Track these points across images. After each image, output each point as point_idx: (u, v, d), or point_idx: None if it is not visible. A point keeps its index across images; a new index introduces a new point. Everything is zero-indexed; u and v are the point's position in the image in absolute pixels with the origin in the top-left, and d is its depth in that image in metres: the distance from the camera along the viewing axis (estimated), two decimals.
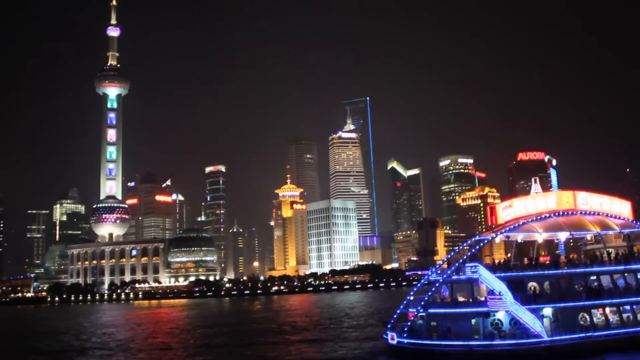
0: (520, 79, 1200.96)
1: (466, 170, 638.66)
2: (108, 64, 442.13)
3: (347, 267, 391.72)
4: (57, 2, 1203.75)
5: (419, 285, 58.59)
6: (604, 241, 61.13)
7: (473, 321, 51.17)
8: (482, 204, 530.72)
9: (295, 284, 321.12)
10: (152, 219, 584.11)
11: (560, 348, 48.80)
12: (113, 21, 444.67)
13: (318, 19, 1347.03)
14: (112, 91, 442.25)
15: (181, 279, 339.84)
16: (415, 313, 53.58)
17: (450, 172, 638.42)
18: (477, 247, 56.15)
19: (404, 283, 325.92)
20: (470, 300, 53.04)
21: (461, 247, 63.72)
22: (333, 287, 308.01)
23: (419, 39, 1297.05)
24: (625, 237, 60.61)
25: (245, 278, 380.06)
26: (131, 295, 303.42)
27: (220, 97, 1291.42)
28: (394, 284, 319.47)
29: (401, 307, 57.34)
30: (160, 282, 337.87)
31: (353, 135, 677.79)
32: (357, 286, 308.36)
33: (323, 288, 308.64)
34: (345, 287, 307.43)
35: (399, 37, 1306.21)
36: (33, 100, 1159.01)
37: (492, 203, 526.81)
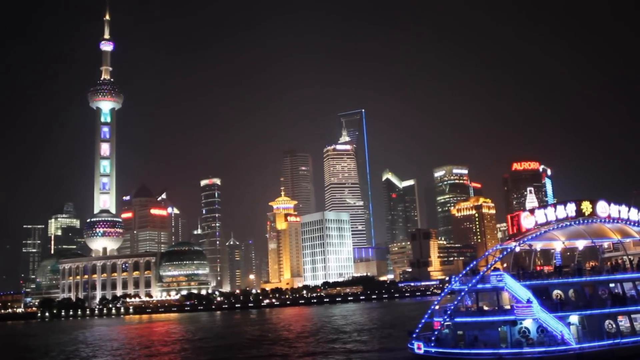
0: (515, 89, 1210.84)
1: (461, 181, 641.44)
2: (101, 79, 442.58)
3: (341, 279, 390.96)
4: (50, 17, 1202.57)
5: (442, 294, 58.78)
6: (623, 248, 61.59)
7: (500, 329, 51.33)
8: (477, 215, 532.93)
9: (287, 296, 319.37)
10: (147, 232, 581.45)
11: (589, 355, 49.03)
12: (106, 36, 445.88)
13: (314, 30, 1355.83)
14: (106, 105, 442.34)
15: (173, 293, 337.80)
16: (442, 322, 53.65)
17: (445, 182, 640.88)
18: (501, 256, 56.40)
19: (396, 295, 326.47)
20: (496, 308, 53.29)
21: (484, 256, 63.96)
22: (325, 300, 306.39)
23: (415, 52, 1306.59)
24: None
25: (238, 291, 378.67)
26: (122, 309, 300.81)
27: (215, 110, 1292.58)
28: (386, 295, 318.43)
29: (425, 316, 57.43)
30: (152, 296, 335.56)
31: (348, 147, 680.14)
32: (349, 298, 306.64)
33: (315, 301, 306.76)
34: (337, 299, 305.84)
35: (395, 49, 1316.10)
36: (28, 114, 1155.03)
37: (486, 213, 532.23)
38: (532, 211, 61.07)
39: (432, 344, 53.08)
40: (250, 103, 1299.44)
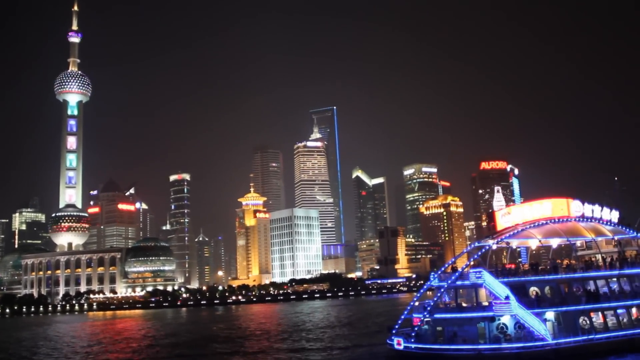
0: (483, 88, 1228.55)
1: (430, 179, 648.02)
2: (69, 71, 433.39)
3: (309, 276, 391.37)
4: (19, 6, 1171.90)
5: (421, 291, 59.47)
6: (596, 247, 63.22)
7: (479, 326, 52.24)
8: (445, 213, 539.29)
9: (254, 293, 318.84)
10: (114, 228, 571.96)
11: (565, 350, 50.30)
12: (74, 27, 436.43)
13: (285, 27, 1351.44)
14: (73, 98, 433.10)
15: (138, 289, 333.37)
16: (422, 318, 54.29)
17: (415, 181, 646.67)
18: (479, 253, 57.32)
19: (363, 292, 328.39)
20: (474, 305, 54.20)
21: (462, 254, 64.86)
22: (291, 297, 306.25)
23: (385, 50, 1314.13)
24: (616, 243, 62.85)
25: (204, 288, 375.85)
26: (85, 306, 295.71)
27: (185, 105, 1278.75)
28: (352, 293, 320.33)
29: (405, 312, 58.06)
30: (116, 293, 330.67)
31: (319, 144, 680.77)
32: (316, 295, 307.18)
33: (281, 298, 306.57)
34: (304, 296, 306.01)
35: (366, 48, 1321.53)
36: None
37: (454, 212, 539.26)
38: (509, 210, 62.33)
39: (412, 340, 53.66)
40: (221, 99, 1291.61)
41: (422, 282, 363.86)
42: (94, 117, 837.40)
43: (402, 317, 58.22)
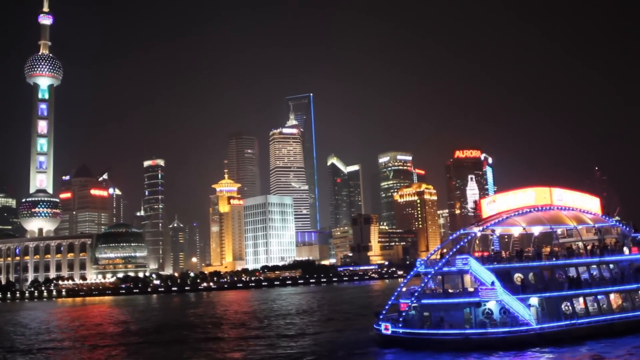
0: (459, 76, 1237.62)
1: (405, 167, 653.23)
2: (40, 53, 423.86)
3: (283, 263, 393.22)
4: None
5: (408, 277, 60.41)
6: (577, 235, 64.88)
7: (465, 311, 53.34)
8: (419, 201, 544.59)
9: (226, 280, 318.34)
10: (86, 213, 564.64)
11: (549, 335, 51.70)
12: (45, 9, 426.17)
13: (260, 14, 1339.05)
14: (44, 81, 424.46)
15: (109, 276, 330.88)
16: (409, 304, 55.18)
17: (390, 168, 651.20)
18: (465, 240, 58.33)
19: (335, 279, 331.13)
20: (460, 290, 55.32)
21: (447, 241, 65.93)
22: (263, 284, 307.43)
23: (361, 38, 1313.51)
24: (596, 231, 64.58)
25: (176, 274, 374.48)
26: (54, 292, 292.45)
27: (160, 91, 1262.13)
28: (324, 280, 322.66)
29: (392, 298, 58.95)
30: (86, 279, 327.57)
31: (294, 130, 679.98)
32: (287, 282, 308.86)
33: (253, 284, 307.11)
34: (276, 283, 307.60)
35: (341, 35, 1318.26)
36: None
37: (428, 200, 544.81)
38: (494, 198, 63.53)
39: (400, 325, 54.54)
40: (197, 86, 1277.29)
41: (394, 269, 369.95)
42: (66, 102, 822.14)
43: (390, 302, 59.12)
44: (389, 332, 55.08)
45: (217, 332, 78.83)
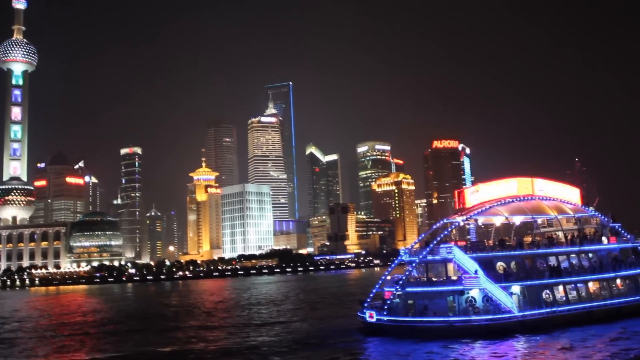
0: (438, 66, 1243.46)
1: (383, 157, 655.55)
2: (13, 38, 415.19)
3: (260, 252, 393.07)
4: None
5: (392, 266, 60.99)
6: (557, 225, 66.14)
7: (449, 299, 54.14)
8: (396, 190, 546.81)
9: (202, 269, 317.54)
10: (62, 202, 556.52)
11: (530, 322, 52.81)
12: None
13: (239, 5, 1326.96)
14: (17, 67, 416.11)
15: (83, 264, 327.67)
16: (394, 292, 55.75)
17: (368, 158, 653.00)
18: (449, 230, 59.05)
19: (311, 268, 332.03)
20: (444, 279, 56.09)
21: (431, 230, 66.62)
22: (239, 272, 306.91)
23: (341, 27, 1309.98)
24: (576, 220, 65.89)
25: (152, 263, 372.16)
26: (27, 281, 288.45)
27: (137, 78, 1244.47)
28: (301, 268, 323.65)
29: (376, 286, 59.49)
30: (60, 268, 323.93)
31: (273, 119, 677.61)
32: (264, 271, 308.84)
33: (229, 273, 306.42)
34: (252, 272, 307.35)
35: (322, 23, 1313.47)
36: None
37: (406, 189, 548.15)
38: (478, 188, 64.31)
39: (384, 313, 55.12)
40: (175, 74, 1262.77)
41: (370, 258, 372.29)
42: (41, 88, 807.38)
43: (374, 290, 59.67)
44: (373, 320, 55.66)
45: (181, 322, 78.17)
